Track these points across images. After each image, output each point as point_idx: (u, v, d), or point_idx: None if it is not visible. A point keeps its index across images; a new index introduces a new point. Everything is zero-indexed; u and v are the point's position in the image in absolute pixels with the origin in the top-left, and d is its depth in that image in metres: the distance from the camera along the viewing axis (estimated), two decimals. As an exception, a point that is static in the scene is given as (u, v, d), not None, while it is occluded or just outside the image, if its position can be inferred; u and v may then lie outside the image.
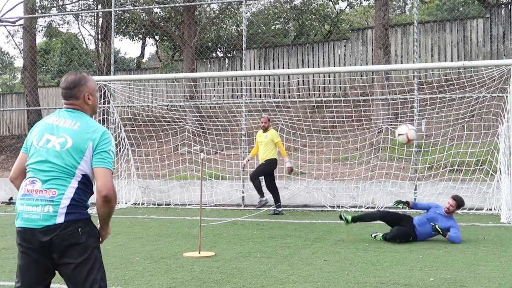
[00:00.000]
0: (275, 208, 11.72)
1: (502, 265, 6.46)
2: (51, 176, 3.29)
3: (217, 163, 14.44)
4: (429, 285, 5.55)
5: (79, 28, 21.97)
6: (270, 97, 17.87)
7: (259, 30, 21.99)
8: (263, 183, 11.87)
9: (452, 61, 17.41)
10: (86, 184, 3.35)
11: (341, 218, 8.73)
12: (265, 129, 11.86)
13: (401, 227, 8.26)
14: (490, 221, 10.35)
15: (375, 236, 8.45)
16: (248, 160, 12.36)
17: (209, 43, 20.90)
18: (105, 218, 3.44)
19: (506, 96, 11.25)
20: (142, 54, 27.61)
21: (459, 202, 8.35)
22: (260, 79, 18.13)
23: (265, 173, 11.75)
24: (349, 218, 8.68)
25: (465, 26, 17.83)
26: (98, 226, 3.50)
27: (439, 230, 8.06)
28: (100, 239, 3.49)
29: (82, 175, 3.32)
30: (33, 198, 3.28)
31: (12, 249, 7.51)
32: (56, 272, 3.39)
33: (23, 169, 3.43)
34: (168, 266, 6.58)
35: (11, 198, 15.13)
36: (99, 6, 19.98)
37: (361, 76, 18.44)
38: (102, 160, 3.37)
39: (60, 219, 3.23)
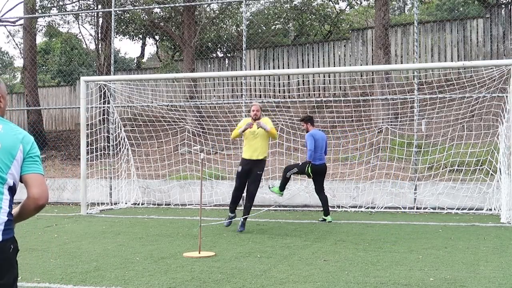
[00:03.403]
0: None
1: (502, 265, 6.46)
2: None
3: (217, 163, 14.44)
4: (429, 285, 5.54)
5: (79, 28, 22.02)
6: (270, 97, 17.87)
7: (259, 30, 21.99)
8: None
9: (452, 61, 17.42)
10: (13, 194, 2.98)
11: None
12: (257, 119, 9.67)
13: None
14: (490, 221, 10.35)
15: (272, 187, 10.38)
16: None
17: (209, 43, 20.90)
18: (26, 218, 3.12)
19: (506, 96, 11.25)
20: (142, 54, 27.63)
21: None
22: (260, 79, 18.13)
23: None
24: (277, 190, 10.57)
25: (465, 26, 17.84)
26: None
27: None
28: None
29: (12, 182, 2.95)
30: None
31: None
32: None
33: None
34: (168, 266, 6.58)
35: None
36: (99, 6, 19.98)
37: (361, 76, 18.44)
38: (36, 165, 3.02)
39: None
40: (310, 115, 11.22)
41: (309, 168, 10.46)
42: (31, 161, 3.01)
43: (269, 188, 10.99)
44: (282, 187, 10.68)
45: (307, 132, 10.71)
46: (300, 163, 10.77)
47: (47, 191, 3.02)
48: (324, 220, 10.53)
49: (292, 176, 10.69)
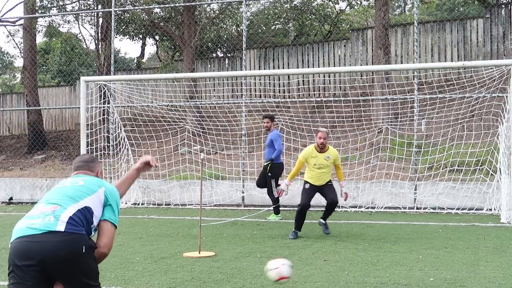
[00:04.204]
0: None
1: (502, 265, 6.46)
2: (55, 199, 3.46)
3: (217, 163, 14.44)
4: (429, 285, 5.54)
5: (79, 28, 22.04)
6: (270, 97, 17.87)
7: (259, 30, 21.99)
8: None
9: (452, 61, 17.40)
10: (84, 213, 3.43)
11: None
12: (323, 148, 8.75)
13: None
14: (490, 221, 10.35)
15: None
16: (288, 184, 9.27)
17: (209, 43, 20.89)
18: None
19: (506, 96, 11.24)
20: (142, 54, 27.62)
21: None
22: (260, 79, 18.13)
23: None
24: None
25: (465, 26, 17.83)
26: None
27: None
28: None
29: (84, 206, 3.45)
30: (35, 215, 3.38)
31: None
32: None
33: None
34: (168, 266, 6.58)
35: (11, 198, 15.14)
36: (99, 6, 19.97)
37: (361, 76, 18.44)
38: (114, 216, 3.56)
39: (61, 227, 3.26)
40: (273, 114, 11.40)
41: (271, 167, 10.69)
42: (110, 210, 3.55)
43: (268, 219, 10.92)
44: (276, 211, 10.97)
45: (268, 130, 10.90)
46: (270, 174, 10.77)
47: (112, 243, 3.53)
48: (267, 219, 10.75)
49: (276, 188, 10.77)
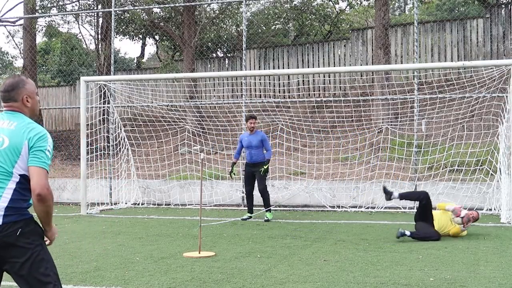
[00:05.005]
0: None
1: (502, 265, 6.46)
2: None
3: (217, 163, 14.44)
4: (429, 285, 5.55)
5: (79, 28, 21.99)
6: (270, 97, 17.87)
7: (259, 30, 21.99)
8: None
9: (452, 61, 17.40)
10: (24, 184, 3.33)
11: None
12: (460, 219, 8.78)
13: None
14: (490, 221, 10.35)
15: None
16: None
17: (209, 43, 20.89)
18: (44, 217, 3.40)
19: (506, 96, 11.24)
20: (142, 54, 27.60)
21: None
22: (260, 79, 18.12)
23: None
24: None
25: (465, 26, 17.83)
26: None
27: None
28: (48, 241, 3.50)
29: (19, 175, 3.31)
30: None
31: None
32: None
33: None
34: (168, 266, 6.59)
35: None
36: (99, 6, 19.97)
37: (361, 76, 18.43)
38: (37, 159, 3.33)
39: None
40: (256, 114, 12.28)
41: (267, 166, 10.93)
42: (32, 156, 3.32)
43: (266, 219, 10.86)
44: (268, 208, 11.01)
45: (251, 131, 11.04)
46: (261, 173, 10.88)
47: (43, 182, 3.28)
48: (268, 219, 10.79)
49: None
